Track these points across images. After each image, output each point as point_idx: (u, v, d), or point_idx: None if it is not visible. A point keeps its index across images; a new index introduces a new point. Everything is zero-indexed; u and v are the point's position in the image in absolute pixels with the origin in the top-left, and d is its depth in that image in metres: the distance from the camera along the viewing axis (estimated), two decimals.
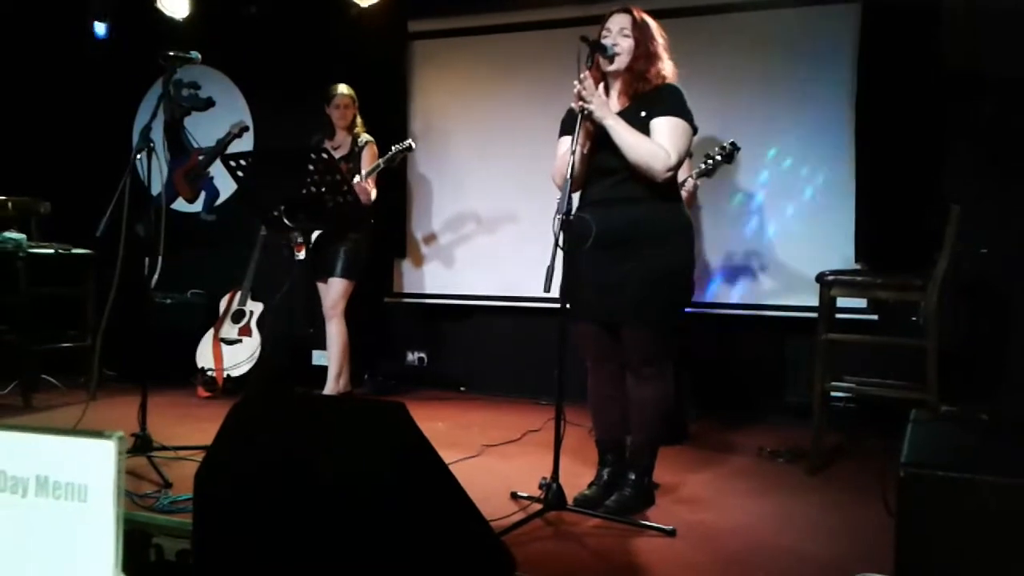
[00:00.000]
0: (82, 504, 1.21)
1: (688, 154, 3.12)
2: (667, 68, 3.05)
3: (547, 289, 2.69)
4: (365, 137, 4.91)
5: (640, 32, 3.02)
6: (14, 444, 1.27)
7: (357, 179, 4.67)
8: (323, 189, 3.48)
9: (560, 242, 2.81)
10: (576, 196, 3.06)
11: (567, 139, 3.02)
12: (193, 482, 2.05)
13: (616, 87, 3.09)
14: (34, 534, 1.23)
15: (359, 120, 4.97)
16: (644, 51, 3.01)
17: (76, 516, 1.21)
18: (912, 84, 4.45)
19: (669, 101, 2.97)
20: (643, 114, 2.97)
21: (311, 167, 3.42)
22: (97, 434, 1.22)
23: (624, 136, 2.91)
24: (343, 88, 4.92)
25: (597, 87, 3.02)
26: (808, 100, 4.83)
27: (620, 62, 3.02)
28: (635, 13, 3.05)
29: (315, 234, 4.60)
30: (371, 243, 4.89)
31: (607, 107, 2.96)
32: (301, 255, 4.70)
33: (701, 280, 4.83)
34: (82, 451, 1.21)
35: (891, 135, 4.52)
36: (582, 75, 2.90)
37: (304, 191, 3.48)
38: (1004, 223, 4.19)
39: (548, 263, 2.75)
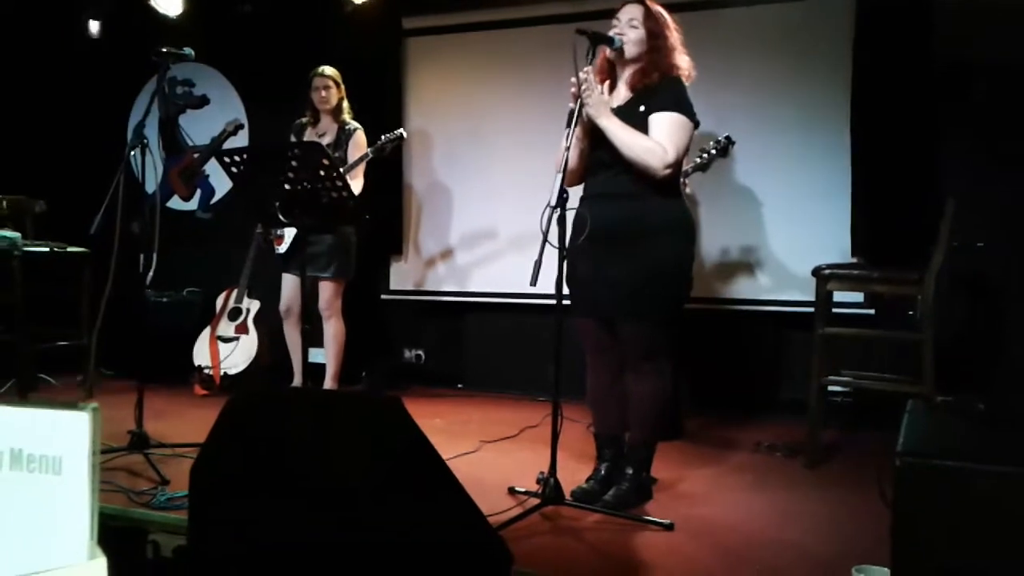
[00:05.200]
0: (56, 477, 1.20)
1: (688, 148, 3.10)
2: (680, 62, 3.01)
3: (533, 283, 2.65)
4: (353, 124, 4.78)
5: (651, 24, 2.97)
6: None
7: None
8: (318, 184, 3.43)
9: (548, 236, 2.78)
10: (577, 190, 3.06)
11: None
12: (188, 478, 2.04)
13: (624, 78, 3.06)
14: (8, 508, 1.22)
15: (346, 106, 4.83)
16: (654, 43, 2.97)
17: (51, 489, 1.20)
18: (907, 77, 4.45)
19: (669, 95, 2.93)
20: (642, 108, 2.94)
21: (294, 163, 3.32)
22: (71, 405, 1.21)
23: (619, 135, 2.88)
24: (322, 69, 4.77)
25: (605, 80, 2.99)
26: (803, 93, 4.83)
27: (628, 52, 2.99)
28: (648, 4, 3.01)
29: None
30: (361, 238, 4.80)
31: (604, 106, 2.92)
32: (280, 249, 4.68)
33: (697, 275, 4.82)
34: (56, 423, 1.20)
35: (887, 128, 4.51)
36: (582, 72, 2.87)
37: (300, 186, 3.45)
38: (1000, 216, 4.19)
39: (536, 257, 2.71)
